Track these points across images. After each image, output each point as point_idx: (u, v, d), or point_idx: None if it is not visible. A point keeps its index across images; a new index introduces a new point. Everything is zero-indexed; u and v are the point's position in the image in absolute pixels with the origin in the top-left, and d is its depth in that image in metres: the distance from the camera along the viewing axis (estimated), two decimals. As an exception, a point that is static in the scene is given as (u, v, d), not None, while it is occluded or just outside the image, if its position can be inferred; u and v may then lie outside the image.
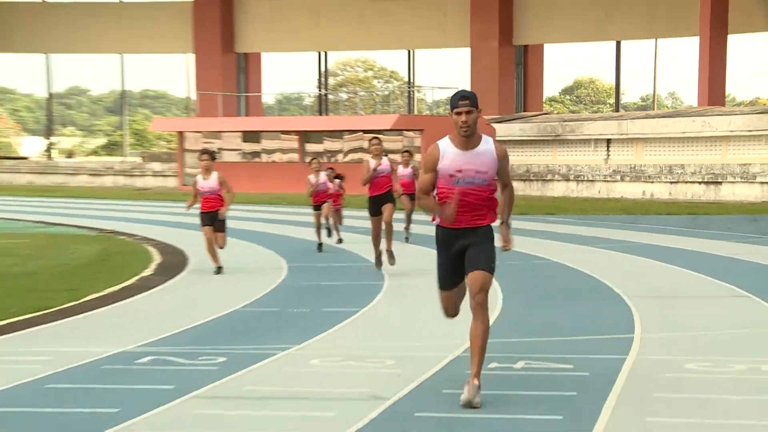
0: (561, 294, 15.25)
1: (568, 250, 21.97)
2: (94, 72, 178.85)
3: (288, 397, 8.57)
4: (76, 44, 77.48)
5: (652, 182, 48.33)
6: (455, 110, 8.10)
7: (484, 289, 8.19)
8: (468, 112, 8.07)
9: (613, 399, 8.25)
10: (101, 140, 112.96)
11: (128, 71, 78.26)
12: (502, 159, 8.32)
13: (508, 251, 8.57)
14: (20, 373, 9.28)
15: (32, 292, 14.93)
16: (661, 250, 22.00)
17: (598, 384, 8.79)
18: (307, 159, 30.05)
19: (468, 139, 8.18)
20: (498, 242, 8.35)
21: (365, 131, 51.13)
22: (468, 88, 65.21)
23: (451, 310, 8.93)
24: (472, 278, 8.23)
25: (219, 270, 17.40)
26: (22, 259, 19.96)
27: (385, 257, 17.59)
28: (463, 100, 8.13)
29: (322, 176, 22.55)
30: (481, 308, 8.14)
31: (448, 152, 8.25)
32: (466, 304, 8.50)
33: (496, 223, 8.37)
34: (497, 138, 50.75)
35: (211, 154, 17.43)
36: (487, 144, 8.31)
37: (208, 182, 16.91)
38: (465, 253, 8.32)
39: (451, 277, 8.61)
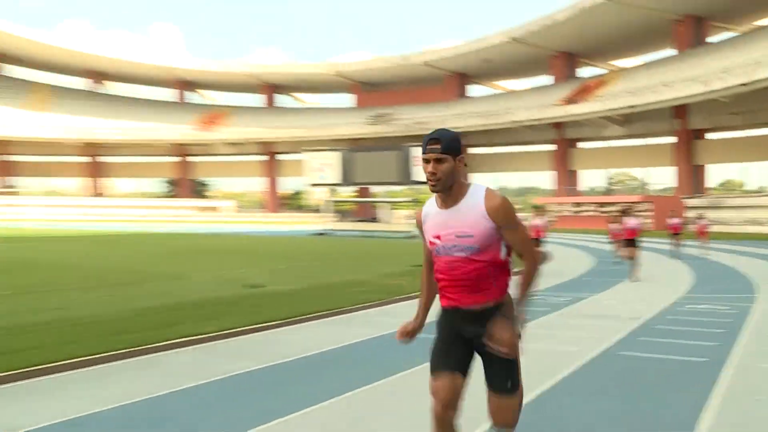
0: (720, 276, 14.42)
1: (723, 257, 20.15)
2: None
3: (595, 315, 8.70)
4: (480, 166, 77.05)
5: (763, 225, 43.46)
6: (423, 157, 2.79)
7: (506, 424, 2.89)
8: (438, 160, 2.77)
9: (749, 324, 8.07)
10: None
11: (503, 181, 77.97)
12: (496, 213, 2.74)
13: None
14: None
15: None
16: (774, 258, 19.95)
17: (740, 317, 8.58)
18: (606, 214, 27.84)
19: (447, 195, 2.82)
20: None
21: (625, 202, 48.88)
22: (675, 184, 62.03)
23: (438, 407, 2.81)
24: (490, 405, 2.90)
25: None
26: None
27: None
28: (433, 143, 2.77)
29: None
30: None
31: (430, 213, 2.92)
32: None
33: None
34: (682, 209, 46.94)
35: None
36: (473, 197, 2.79)
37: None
38: (468, 341, 2.93)
39: (444, 358, 2.89)
